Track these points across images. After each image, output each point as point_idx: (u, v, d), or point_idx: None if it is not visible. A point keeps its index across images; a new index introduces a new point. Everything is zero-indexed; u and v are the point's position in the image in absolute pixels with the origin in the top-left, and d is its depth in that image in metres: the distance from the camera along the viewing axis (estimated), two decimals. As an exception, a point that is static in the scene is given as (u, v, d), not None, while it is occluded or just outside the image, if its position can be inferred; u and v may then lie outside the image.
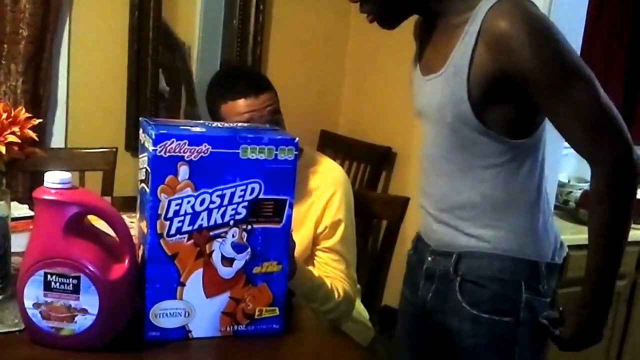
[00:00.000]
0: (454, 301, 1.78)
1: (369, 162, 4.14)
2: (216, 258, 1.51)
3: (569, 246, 1.92)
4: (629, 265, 3.46)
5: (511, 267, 1.75)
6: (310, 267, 2.14)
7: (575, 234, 3.12)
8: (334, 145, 4.32)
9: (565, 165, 3.80)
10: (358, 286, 2.31)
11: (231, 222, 1.50)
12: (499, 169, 1.72)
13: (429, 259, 1.87)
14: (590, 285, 1.70)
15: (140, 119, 1.59)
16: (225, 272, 1.52)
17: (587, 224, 1.68)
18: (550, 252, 1.79)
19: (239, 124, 1.70)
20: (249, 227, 1.51)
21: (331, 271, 2.15)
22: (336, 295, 2.11)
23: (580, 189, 3.74)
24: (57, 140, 3.71)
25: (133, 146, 3.65)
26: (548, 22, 1.62)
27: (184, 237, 1.47)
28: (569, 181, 3.90)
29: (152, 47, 3.82)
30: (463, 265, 1.78)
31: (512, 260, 1.75)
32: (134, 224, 1.61)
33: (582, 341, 1.75)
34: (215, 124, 1.63)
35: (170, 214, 1.45)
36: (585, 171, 4.16)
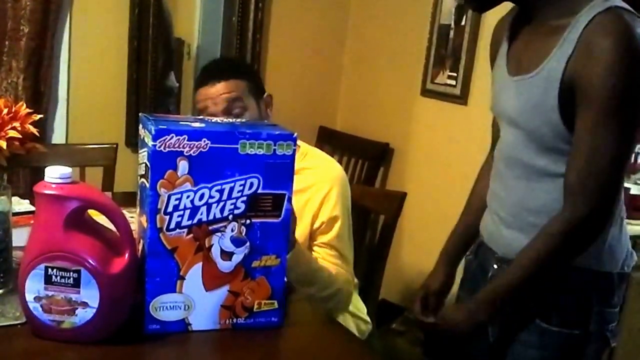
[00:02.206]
0: (521, 311, 1.74)
1: (366, 158, 4.15)
2: (215, 252, 1.51)
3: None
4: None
5: (584, 278, 1.71)
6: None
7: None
8: (332, 141, 4.33)
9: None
10: (356, 280, 2.31)
11: (230, 217, 1.50)
12: None
13: (495, 266, 1.83)
14: (499, 283, 1.73)
15: (140, 114, 1.59)
16: (225, 266, 1.53)
17: (530, 240, 1.67)
18: (621, 262, 1.74)
19: (238, 120, 1.71)
20: (248, 221, 1.51)
21: (328, 264, 2.15)
22: (335, 283, 2.11)
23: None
24: (58, 136, 3.71)
25: (133, 142, 3.65)
26: (636, 49, 1.52)
27: (184, 232, 1.47)
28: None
29: (152, 43, 3.83)
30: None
31: (585, 271, 1.70)
32: (134, 218, 1.62)
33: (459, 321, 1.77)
34: (214, 119, 1.63)
35: (170, 209, 1.45)
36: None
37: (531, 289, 1.70)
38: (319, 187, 2.19)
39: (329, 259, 2.16)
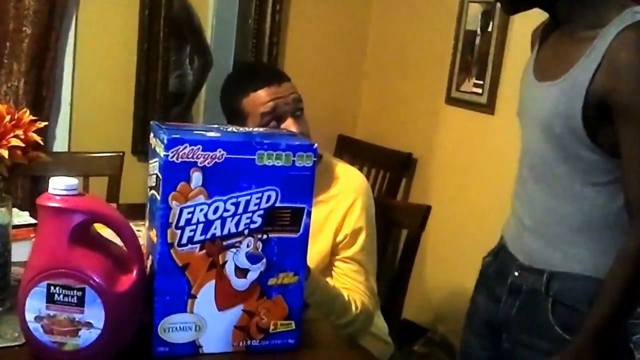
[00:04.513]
0: (544, 322, 1.78)
1: (388, 169, 4.13)
2: (229, 269, 1.50)
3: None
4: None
5: None
6: (328, 279, 2.13)
7: None
8: (352, 150, 4.31)
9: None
10: (377, 298, 2.30)
11: (246, 232, 1.49)
12: (601, 187, 1.72)
13: (515, 273, 1.86)
14: (592, 320, 1.69)
15: (151, 122, 1.58)
16: (239, 283, 1.51)
17: (611, 266, 1.67)
18: None
19: (255, 129, 1.69)
20: (265, 236, 1.51)
21: (350, 282, 2.14)
22: (354, 309, 2.10)
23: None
24: (60, 144, 3.71)
25: (140, 150, 3.65)
26: None
27: (196, 247, 1.46)
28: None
29: (162, 46, 3.82)
30: (556, 285, 1.77)
31: None
32: (142, 232, 1.61)
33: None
34: (230, 128, 1.63)
35: (182, 223, 1.44)
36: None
37: (626, 315, 1.71)
38: (342, 198, 2.19)
39: (351, 275, 2.15)
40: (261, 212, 1.49)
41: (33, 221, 2.04)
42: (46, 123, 1.82)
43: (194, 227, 1.45)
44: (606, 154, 1.68)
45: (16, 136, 1.63)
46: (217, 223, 1.46)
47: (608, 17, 1.65)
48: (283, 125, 2.08)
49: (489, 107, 3.63)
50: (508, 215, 1.97)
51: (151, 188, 1.51)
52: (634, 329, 1.79)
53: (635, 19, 1.61)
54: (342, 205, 2.19)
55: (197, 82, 4.30)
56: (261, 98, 2.11)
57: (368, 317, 2.19)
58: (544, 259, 1.80)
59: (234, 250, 1.49)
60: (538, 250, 1.81)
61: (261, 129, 1.78)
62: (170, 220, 1.43)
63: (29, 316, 1.41)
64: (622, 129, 1.62)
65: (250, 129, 1.71)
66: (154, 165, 1.49)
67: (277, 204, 1.50)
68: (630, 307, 1.70)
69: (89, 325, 1.41)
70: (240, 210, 1.47)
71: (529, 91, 1.86)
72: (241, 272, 1.51)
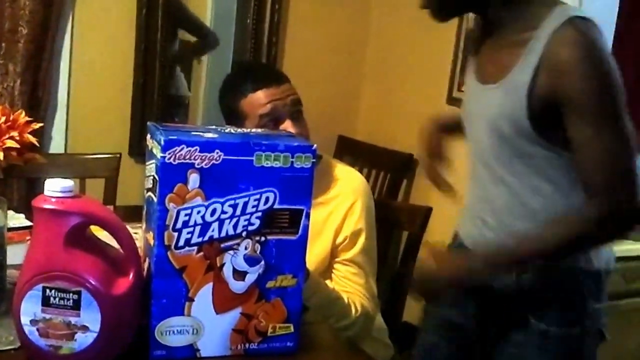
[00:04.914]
0: (517, 315, 1.86)
1: (389, 170, 4.13)
2: (227, 272, 1.50)
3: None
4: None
5: (578, 278, 1.84)
6: (328, 281, 2.13)
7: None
8: (352, 151, 4.31)
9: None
10: (377, 301, 2.30)
11: (244, 234, 1.49)
12: (559, 181, 1.79)
13: None
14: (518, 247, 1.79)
15: (148, 123, 1.57)
16: (237, 286, 1.51)
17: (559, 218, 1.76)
18: (605, 260, 1.88)
19: (253, 130, 1.69)
20: (263, 238, 1.50)
21: (350, 285, 2.15)
22: (353, 312, 2.10)
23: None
24: (57, 145, 3.71)
25: (137, 152, 3.65)
26: (608, 57, 1.68)
27: (194, 250, 1.46)
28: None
29: (160, 46, 3.82)
30: (527, 278, 1.84)
31: (577, 271, 1.83)
32: (139, 235, 1.61)
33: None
34: (228, 129, 1.62)
35: (179, 225, 1.44)
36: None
37: (537, 262, 1.83)
38: (341, 199, 2.20)
39: (351, 277, 2.15)
40: (259, 214, 1.48)
41: (29, 223, 2.04)
42: (42, 124, 1.83)
43: (191, 229, 1.45)
44: (560, 149, 1.75)
45: (11, 137, 1.64)
46: (215, 225, 1.46)
47: (539, 18, 1.71)
48: (282, 127, 2.08)
49: (490, 108, 3.63)
50: (463, 213, 2.02)
51: (148, 190, 1.51)
52: (602, 313, 1.88)
53: (566, 16, 1.68)
54: (341, 207, 2.19)
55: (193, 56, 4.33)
56: (259, 99, 2.11)
57: (368, 320, 2.19)
58: None
59: (231, 252, 1.49)
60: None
61: (259, 130, 1.77)
62: (167, 223, 1.43)
63: (25, 319, 1.41)
64: (572, 123, 1.68)
65: (248, 130, 1.70)
66: (150, 167, 1.49)
67: (276, 206, 1.49)
68: (546, 261, 1.81)
69: (85, 328, 1.40)
70: (238, 212, 1.47)
71: (473, 94, 1.92)
72: (239, 275, 1.51)
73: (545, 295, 1.84)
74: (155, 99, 3.87)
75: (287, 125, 2.08)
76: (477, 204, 1.94)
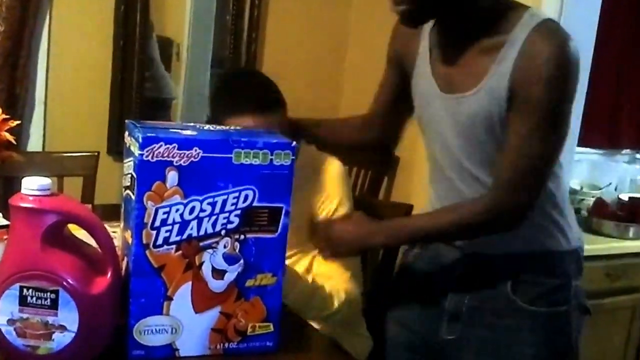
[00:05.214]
0: (506, 301, 1.90)
1: (370, 167, 4.13)
2: (206, 270, 1.50)
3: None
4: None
5: (563, 259, 1.93)
6: (313, 265, 2.17)
7: (588, 244, 3.13)
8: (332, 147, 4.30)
9: (577, 172, 3.80)
10: (361, 279, 2.30)
11: (223, 232, 1.49)
12: None
13: (462, 264, 1.95)
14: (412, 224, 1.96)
15: (126, 121, 1.57)
16: (216, 285, 1.52)
17: (454, 205, 1.87)
18: (578, 237, 1.99)
19: (233, 127, 1.69)
20: (242, 237, 1.51)
21: (332, 269, 2.15)
22: (336, 302, 2.12)
23: (593, 197, 3.76)
24: (34, 143, 3.68)
25: (116, 150, 3.63)
26: (576, 63, 1.73)
27: (172, 248, 1.46)
28: (581, 188, 3.90)
29: (139, 44, 3.80)
30: (511, 265, 1.91)
31: (562, 253, 1.93)
32: (117, 233, 1.61)
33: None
34: (207, 127, 1.62)
35: (157, 223, 1.44)
36: (599, 179, 4.19)
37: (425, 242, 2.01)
38: (317, 187, 2.22)
39: (333, 262, 2.16)
40: (238, 212, 1.49)
41: (6, 222, 2.03)
42: (19, 122, 1.83)
43: (169, 227, 1.45)
44: None
45: (-12, 135, 1.63)
46: (194, 223, 1.46)
47: (510, 24, 1.76)
48: None
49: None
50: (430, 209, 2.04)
51: (126, 188, 1.51)
52: (581, 290, 1.96)
53: (537, 20, 1.74)
54: (319, 196, 2.21)
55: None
56: (246, 123, 1.99)
57: (353, 303, 2.20)
58: (494, 245, 1.89)
59: (210, 251, 1.49)
60: (483, 239, 1.88)
61: (239, 127, 1.77)
62: (145, 221, 1.43)
63: (2, 319, 1.40)
64: (513, 120, 1.75)
65: (228, 127, 1.70)
66: (128, 165, 1.49)
67: (255, 204, 1.50)
68: (436, 241, 1.97)
69: (62, 328, 1.40)
70: (217, 210, 1.47)
71: (434, 102, 1.92)
72: (218, 274, 1.51)
73: (532, 281, 1.90)
74: (134, 96, 3.84)
75: None
76: (446, 204, 1.94)
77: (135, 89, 3.84)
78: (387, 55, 2.25)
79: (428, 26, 1.94)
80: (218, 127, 1.67)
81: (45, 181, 1.39)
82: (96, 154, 3.08)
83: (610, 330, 3.43)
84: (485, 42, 1.79)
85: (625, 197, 3.83)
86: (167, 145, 1.41)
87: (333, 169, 2.29)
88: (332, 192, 2.23)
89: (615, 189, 4.04)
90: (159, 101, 4.18)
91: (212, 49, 4.24)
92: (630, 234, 3.46)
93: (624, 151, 4.21)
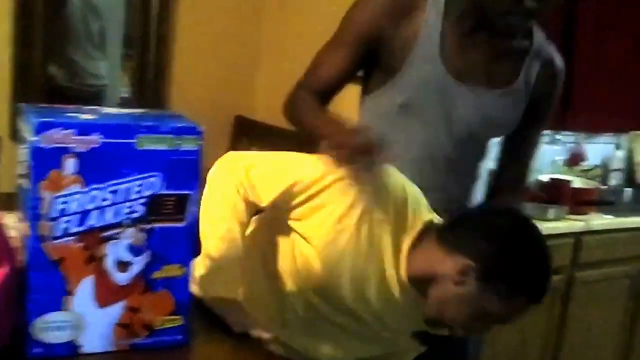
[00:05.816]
0: None
1: (290, 151, 4.10)
2: (110, 262, 1.46)
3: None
4: (564, 259, 3.51)
5: None
6: None
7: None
8: (251, 132, 4.26)
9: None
10: None
11: (127, 222, 1.46)
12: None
13: None
14: None
15: (21, 104, 1.53)
16: (120, 278, 1.48)
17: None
18: None
19: (137, 110, 1.66)
20: (148, 226, 1.48)
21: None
22: None
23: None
24: None
25: (20, 136, 3.53)
26: None
27: (72, 240, 1.42)
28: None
29: (42, 23, 3.69)
30: None
31: None
32: (18, 224, 1.55)
33: None
34: (108, 110, 1.58)
35: (55, 214, 1.39)
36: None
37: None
38: None
39: None
40: (143, 200, 1.45)
41: None
42: None
43: (69, 218, 1.40)
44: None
45: None
46: (95, 213, 1.42)
47: (528, 29, 1.98)
48: None
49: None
50: None
51: (21, 176, 1.46)
52: None
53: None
54: None
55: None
56: None
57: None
58: None
59: (114, 242, 1.45)
60: None
61: (143, 110, 1.73)
62: (41, 212, 1.38)
63: None
64: (539, 125, 2.07)
65: (132, 111, 1.66)
66: (23, 152, 1.44)
67: (161, 191, 1.46)
68: None
69: (-47, 326, 1.35)
70: (120, 198, 1.43)
71: (442, 89, 1.97)
72: (122, 266, 1.47)
73: None
74: (39, 75, 3.73)
75: None
76: (428, 194, 1.90)
77: (42, 69, 3.73)
78: (355, 32, 2.19)
79: (431, 10, 1.97)
80: (122, 111, 1.63)
81: None
82: (-2, 139, 3.01)
83: (531, 314, 3.48)
84: (514, 44, 1.98)
85: (545, 177, 3.88)
86: (65, 131, 1.36)
87: None
88: None
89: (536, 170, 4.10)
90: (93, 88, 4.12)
91: (123, 29, 4.19)
92: (551, 215, 3.49)
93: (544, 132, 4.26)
